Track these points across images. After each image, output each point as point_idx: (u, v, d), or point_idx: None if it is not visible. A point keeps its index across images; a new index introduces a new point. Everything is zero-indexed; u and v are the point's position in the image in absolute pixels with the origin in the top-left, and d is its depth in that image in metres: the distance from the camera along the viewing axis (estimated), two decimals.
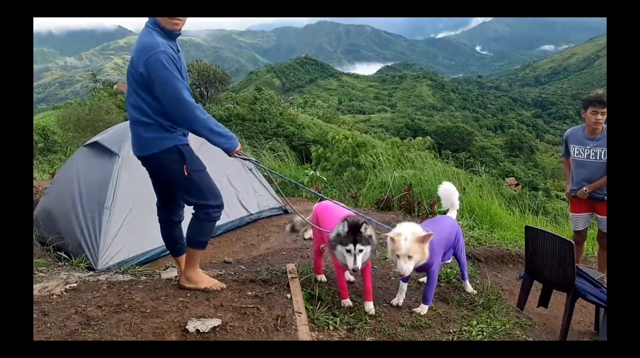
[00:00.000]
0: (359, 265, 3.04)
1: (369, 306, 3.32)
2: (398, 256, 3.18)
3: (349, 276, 3.67)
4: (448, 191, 4.05)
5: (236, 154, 3.21)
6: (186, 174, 3.07)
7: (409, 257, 3.15)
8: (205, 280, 3.27)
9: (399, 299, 3.54)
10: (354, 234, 3.06)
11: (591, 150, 4.67)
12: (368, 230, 3.11)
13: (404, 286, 3.58)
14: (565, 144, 5.03)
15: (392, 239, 3.20)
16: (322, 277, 3.73)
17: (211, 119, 3.04)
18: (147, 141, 3.05)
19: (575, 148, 4.80)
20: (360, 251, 3.05)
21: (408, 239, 3.16)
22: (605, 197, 4.64)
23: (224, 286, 3.27)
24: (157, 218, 3.44)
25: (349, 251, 3.06)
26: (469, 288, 3.91)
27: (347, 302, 3.36)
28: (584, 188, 4.74)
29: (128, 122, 3.27)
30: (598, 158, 4.64)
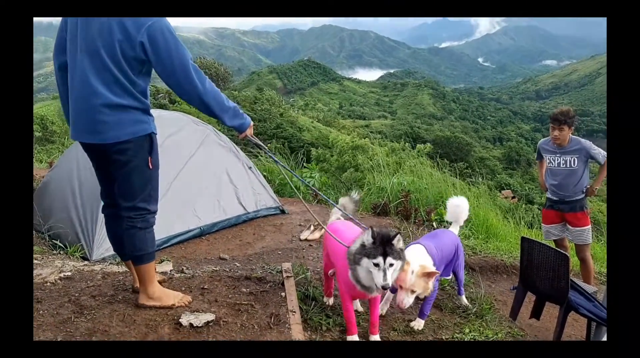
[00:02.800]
0: (390, 281, 2.59)
1: (374, 338, 2.98)
2: (401, 287, 2.97)
3: (357, 305, 3.37)
4: (458, 208, 3.89)
5: (249, 136, 2.93)
6: (150, 167, 2.70)
7: (412, 291, 2.97)
8: (170, 295, 2.90)
9: (383, 309, 3.42)
10: (384, 245, 2.63)
11: (561, 158, 5.01)
12: (400, 242, 2.70)
13: (391, 296, 3.41)
14: (537, 151, 5.42)
15: None
16: (330, 300, 3.39)
17: (221, 93, 2.73)
18: (118, 125, 2.56)
19: (548, 157, 5.17)
20: (391, 265, 2.62)
21: (415, 273, 2.94)
22: (582, 192, 4.99)
23: (191, 300, 2.95)
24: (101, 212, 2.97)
25: (377, 265, 2.60)
26: (464, 302, 3.84)
27: (354, 338, 2.93)
28: (595, 188, 4.99)
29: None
30: (568, 166, 4.96)
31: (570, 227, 5.10)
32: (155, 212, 2.81)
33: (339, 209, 3.42)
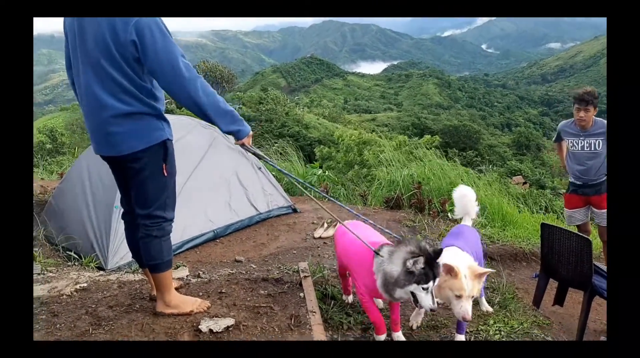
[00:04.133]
0: (435, 304, 2.46)
1: (398, 336, 2.86)
2: (459, 296, 2.62)
3: (378, 302, 3.11)
4: (465, 198, 3.55)
5: (247, 145, 2.72)
6: (165, 174, 2.63)
7: (471, 297, 2.64)
8: (188, 302, 2.84)
9: (417, 320, 3.15)
10: (432, 268, 2.44)
11: (585, 141, 4.83)
12: (441, 256, 2.52)
13: (422, 309, 3.00)
14: (557, 133, 5.20)
15: (450, 272, 2.63)
16: (350, 298, 3.30)
17: (218, 95, 2.55)
18: (131, 135, 2.50)
19: (570, 140, 4.95)
20: (433, 285, 2.48)
21: (468, 276, 2.62)
22: (603, 176, 4.82)
23: (209, 305, 2.89)
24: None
25: (426, 289, 2.44)
26: (485, 306, 3.44)
27: (384, 338, 2.83)
28: None
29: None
30: (593, 149, 4.78)
31: (595, 209, 4.96)
32: (171, 220, 2.74)
33: (342, 204, 3.30)
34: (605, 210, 4.81)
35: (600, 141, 4.73)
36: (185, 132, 5.40)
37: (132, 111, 2.48)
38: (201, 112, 2.49)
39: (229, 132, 2.63)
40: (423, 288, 2.44)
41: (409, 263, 2.44)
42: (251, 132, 2.71)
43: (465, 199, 3.54)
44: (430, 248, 2.49)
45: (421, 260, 2.42)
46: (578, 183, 5.01)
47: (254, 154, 2.92)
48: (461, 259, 2.75)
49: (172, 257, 2.82)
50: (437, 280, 2.48)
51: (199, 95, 2.42)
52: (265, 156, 3.05)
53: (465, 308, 2.58)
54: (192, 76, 2.41)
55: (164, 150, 2.61)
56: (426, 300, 2.44)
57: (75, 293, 3.12)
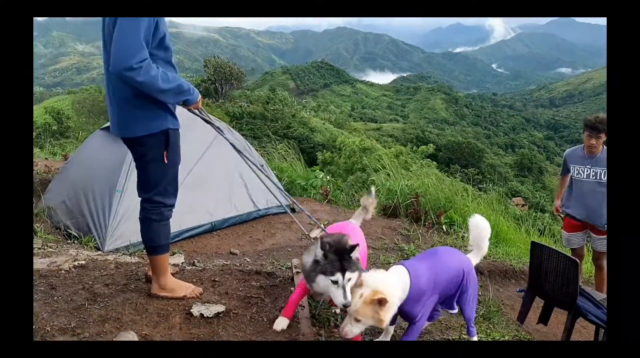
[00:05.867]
0: (350, 297, 2.38)
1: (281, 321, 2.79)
2: (345, 311, 2.50)
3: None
4: (477, 228, 3.15)
5: (193, 109, 2.80)
6: (166, 162, 2.72)
7: (356, 320, 2.40)
8: (182, 286, 2.95)
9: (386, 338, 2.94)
10: (341, 259, 2.42)
11: (591, 170, 4.72)
12: (357, 252, 2.48)
13: (391, 329, 2.91)
14: (564, 163, 5.08)
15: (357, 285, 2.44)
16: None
17: (162, 74, 2.50)
18: (134, 121, 2.64)
19: (575, 168, 4.85)
20: (349, 280, 2.42)
21: (363, 297, 2.36)
22: (605, 227, 4.61)
23: (202, 291, 2.99)
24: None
25: (335, 283, 2.41)
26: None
27: (282, 323, 2.76)
28: None
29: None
30: (598, 178, 4.67)
31: (593, 235, 4.87)
32: (171, 206, 2.85)
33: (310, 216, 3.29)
34: (603, 236, 4.75)
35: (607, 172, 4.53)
36: (190, 125, 5.47)
37: (135, 97, 2.59)
38: (146, 90, 2.51)
39: (177, 104, 2.72)
40: (332, 282, 2.40)
41: (317, 252, 2.46)
42: (199, 97, 2.80)
43: (477, 230, 3.15)
44: (344, 242, 2.48)
45: (324, 244, 2.43)
46: (578, 218, 4.88)
47: (205, 120, 3.00)
48: (378, 279, 2.43)
49: (170, 242, 2.92)
50: (350, 276, 2.42)
51: (141, 76, 2.40)
52: (217, 126, 3.16)
53: (343, 325, 2.45)
54: (140, 55, 2.39)
55: (165, 138, 2.71)
56: (337, 294, 2.40)
57: (73, 270, 3.21)
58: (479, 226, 3.12)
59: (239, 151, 3.31)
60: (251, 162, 3.38)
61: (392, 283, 2.46)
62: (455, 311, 2.89)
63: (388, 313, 2.39)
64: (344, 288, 2.39)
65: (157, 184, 2.76)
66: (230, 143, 3.32)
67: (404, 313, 2.61)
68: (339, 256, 2.42)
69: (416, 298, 2.56)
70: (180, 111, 2.84)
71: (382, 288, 2.36)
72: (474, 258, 3.09)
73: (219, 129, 3.25)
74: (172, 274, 3.17)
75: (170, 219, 2.91)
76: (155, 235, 2.81)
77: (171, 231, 3.06)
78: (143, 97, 2.57)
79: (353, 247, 2.46)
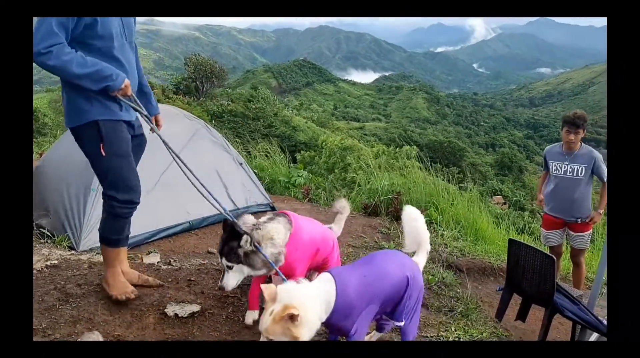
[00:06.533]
0: (228, 284, 2.39)
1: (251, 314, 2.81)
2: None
3: None
4: (416, 222, 2.82)
5: (119, 96, 2.64)
6: (103, 154, 2.64)
7: (267, 338, 2.11)
8: (117, 286, 2.82)
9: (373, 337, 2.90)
10: (225, 242, 2.45)
11: (569, 166, 4.82)
12: (247, 244, 2.41)
13: (376, 334, 2.87)
14: (544, 160, 5.17)
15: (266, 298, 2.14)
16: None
17: (79, 58, 2.45)
18: (67, 113, 2.63)
19: (554, 164, 4.95)
20: (229, 268, 2.40)
21: (273, 314, 2.07)
22: (579, 220, 4.83)
23: (137, 294, 2.83)
24: None
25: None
26: None
27: (251, 315, 2.79)
28: (599, 210, 4.81)
29: None
30: (575, 174, 4.78)
31: (571, 232, 4.97)
32: (126, 202, 2.75)
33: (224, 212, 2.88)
34: (581, 233, 4.89)
35: (584, 168, 4.74)
36: (168, 122, 5.39)
37: (68, 88, 2.60)
38: (62, 75, 2.49)
39: (101, 90, 2.58)
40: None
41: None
42: (126, 81, 2.64)
43: (416, 224, 2.82)
44: (237, 229, 2.46)
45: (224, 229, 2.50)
46: (555, 215, 5.00)
47: (133, 108, 2.84)
48: (292, 293, 2.14)
49: (123, 239, 2.87)
50: (227, 263, 2.43)
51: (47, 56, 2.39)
52: (145, 115, 2.95)
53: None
54: (52, 42, 2.39)
55: (96, 130, 2.63)
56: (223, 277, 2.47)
57: (45, 269, 3.14)
58: (416, 218, 2.82)
59: (169, 149, 3.09)
60: (183, 164, 3.18)
61: (310, 295, 2.18)
62: (402, 324, 2.56)
63: (302, 329, 2.09)
64: (223, 271, 2.46)
65: (104, 178, 2.74)
66: (162, 139, 3.04)
67: (333, 327, 2.36)
68: (225, 240, 2.46)
69: (345, 311, 2.27)
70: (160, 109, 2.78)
71: (296, 302, 2.08)
72: (420, 260, 2.77)
73: (147, 117, 3.01)
74: (146, 282, 3.06)
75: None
76: (105, 225, 2.81)
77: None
78: (72, 88, 2.57)
79: (242, 236, 2.40)
